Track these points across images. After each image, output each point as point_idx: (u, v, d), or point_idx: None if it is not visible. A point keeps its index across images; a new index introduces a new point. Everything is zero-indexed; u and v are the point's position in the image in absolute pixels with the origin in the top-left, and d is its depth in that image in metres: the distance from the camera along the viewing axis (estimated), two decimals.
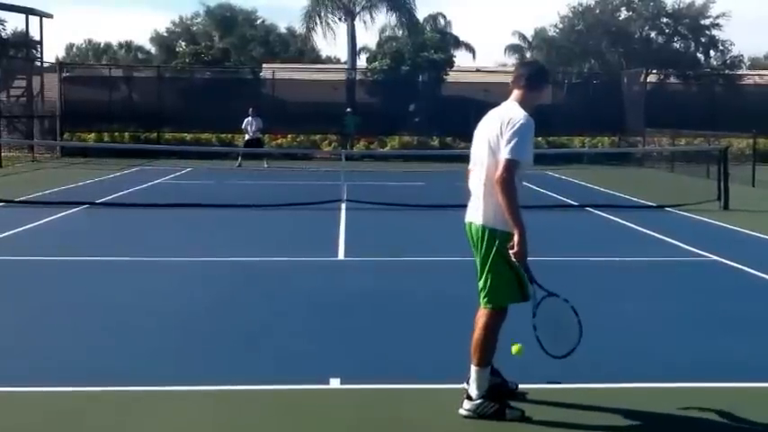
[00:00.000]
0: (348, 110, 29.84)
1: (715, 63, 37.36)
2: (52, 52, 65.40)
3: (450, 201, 12.27)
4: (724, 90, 35.03)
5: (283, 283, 8.54)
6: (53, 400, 5.07)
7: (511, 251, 4.55)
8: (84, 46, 63.35)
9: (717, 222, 13.35)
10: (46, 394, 5.16)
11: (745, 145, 25.26)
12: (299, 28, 39.14)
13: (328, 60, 53.54)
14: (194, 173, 22.87)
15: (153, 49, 52.02)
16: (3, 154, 24.83)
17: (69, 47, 62.85)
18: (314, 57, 50.88)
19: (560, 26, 38.45)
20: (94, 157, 27.48)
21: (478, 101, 24.05)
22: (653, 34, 37.31)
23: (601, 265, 9.86)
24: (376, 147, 30.03)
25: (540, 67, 5.30)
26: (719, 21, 36.24)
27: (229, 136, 29.32)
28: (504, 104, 4.85)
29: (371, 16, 36.61)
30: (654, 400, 5.07)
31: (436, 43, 34.79)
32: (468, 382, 4.80)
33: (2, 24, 35.27)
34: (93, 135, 29.76)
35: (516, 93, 4.84)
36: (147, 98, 32.54)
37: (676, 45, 37.46)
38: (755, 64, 53.18)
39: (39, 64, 33.38)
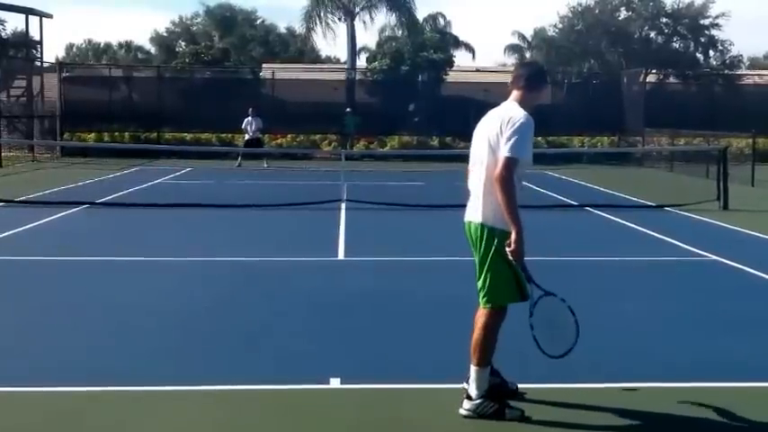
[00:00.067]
0: (348, 110, 29.84)
1: (714, 63, 37.36)
2: (52, 52, 65.66)
3: (449, 201, 12.29)
4: (723, 90, 35.05)
5: (283, 283, 8.54)
6: (53, 400, 5.07)
7: (507, 249, 4.56)
8: (83, 46, 63.51)
9: (716, 222, 13.35)
10: (46, 394, 5.16)
11: (745, 145, 25.29)
12: (299, 28, 39.21)
13: (328, 60, 53.57)
14: (194, 173, 22.86)
15: (153, 49, 52.06)
16: (3, 154, 24.83)
17: (69, 47, 63.03)
18: (314, 57, 50.90)
19: (560, 26, 38.45)
20: (94, 156, 27.49)
21: (478, 101, 24.08)
22: (652, 34, 37.31)
23: (600, 265, 9.86)
24: (376, 147, 30.03)
25: (539, 67, 5.34)
26: (719, 21, 36.34)
27: (229, 136, 29.32)
28: (503, 104, 4.86)
29: (371, 16, 36.69)
30: (654, 400, 5.07)
31: (436, 43, 34.80)
32: (467, 382, 4.80)
33: (2, 24, 35.35)
34: (93, 135, 29.76)
35: (515, 93, 4.86)
36: (147, 98, 32.54)
37: (676, 45, 37.48)
38: (755, 64, 53.24)
39: (39, 64, 33.37)
